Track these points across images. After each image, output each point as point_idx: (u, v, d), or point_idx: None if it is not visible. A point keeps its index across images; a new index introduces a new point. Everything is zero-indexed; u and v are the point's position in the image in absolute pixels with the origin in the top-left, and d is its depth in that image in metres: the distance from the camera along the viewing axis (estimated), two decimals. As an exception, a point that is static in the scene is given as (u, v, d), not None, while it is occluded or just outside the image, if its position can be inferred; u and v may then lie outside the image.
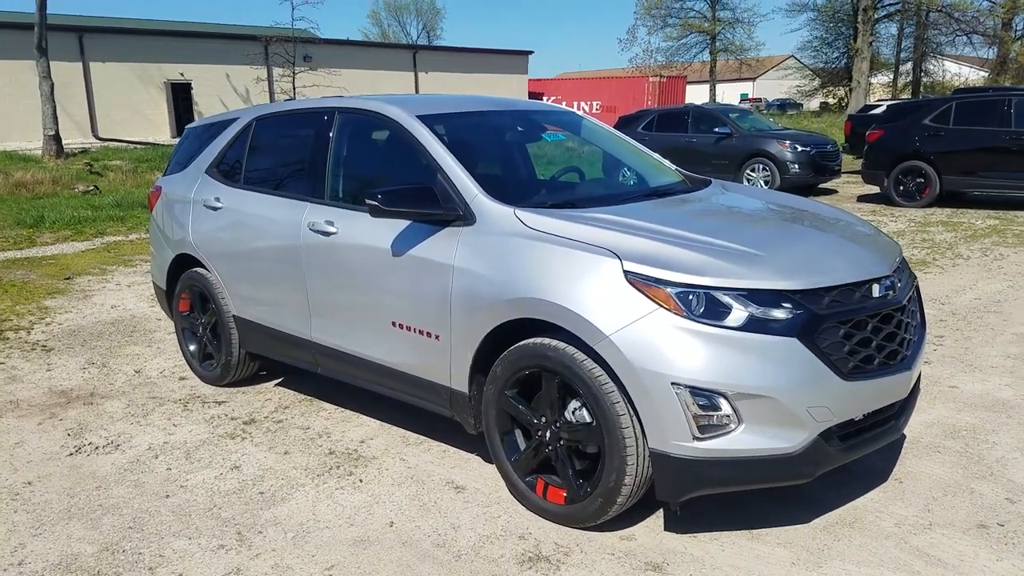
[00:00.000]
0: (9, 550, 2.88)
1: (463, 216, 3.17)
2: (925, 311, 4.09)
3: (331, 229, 3.63)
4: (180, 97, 28.31)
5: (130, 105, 27.05)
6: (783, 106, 56.77)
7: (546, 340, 2.86)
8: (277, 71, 28.31)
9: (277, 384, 4.64)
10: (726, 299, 2.62)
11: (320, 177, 3.83)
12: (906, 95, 43.62)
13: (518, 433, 3.11)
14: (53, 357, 5.18)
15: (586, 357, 2.75)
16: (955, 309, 5.91)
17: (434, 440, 3.75)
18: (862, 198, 12.78)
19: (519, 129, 4.08)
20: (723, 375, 2.56)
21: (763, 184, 13.29)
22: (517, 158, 3.95)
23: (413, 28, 79.01)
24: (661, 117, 15.44)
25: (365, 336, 3.58)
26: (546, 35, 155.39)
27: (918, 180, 11.37)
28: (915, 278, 3.34)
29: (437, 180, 3.29)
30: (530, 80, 43.45)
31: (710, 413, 2.58)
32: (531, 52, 42.16)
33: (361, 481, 3.37)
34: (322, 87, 25.46)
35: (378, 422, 4.01)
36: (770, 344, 2.58)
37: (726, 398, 2.57)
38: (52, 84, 20.19)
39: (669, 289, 2.62)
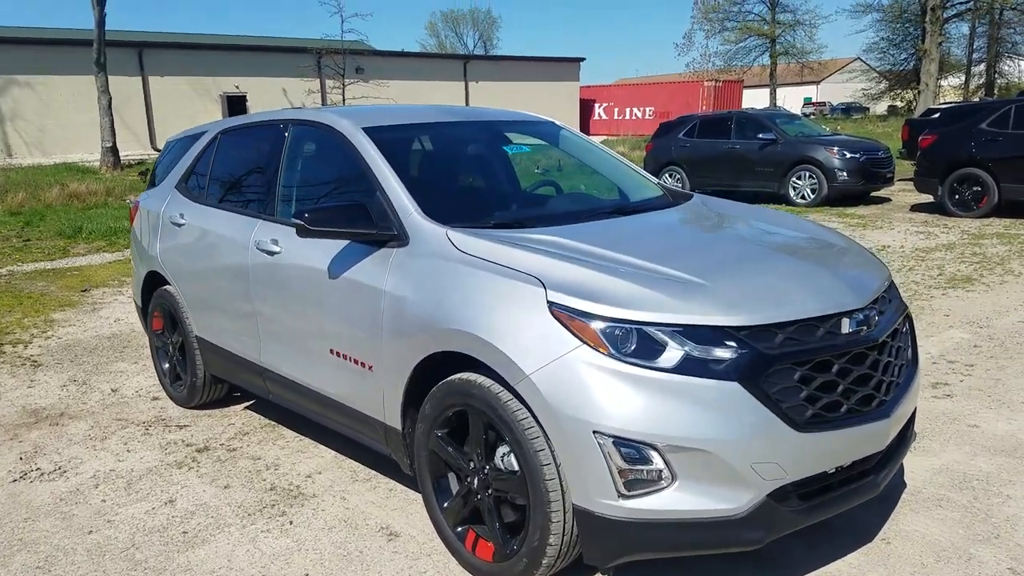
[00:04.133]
0: (-95, 591, 2.74)
1: (397, 236, 2.90)
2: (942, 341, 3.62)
3: (275, 248, 3.42)
4: (235, 109, 28.95)
5: (187, 117, 27.71)
6: (848, 110, 54.88)
7: (471, 376, 2.57)
8: (329, 83, 28.67)
9: (246, 407, 4.46)
10: (660, 336, 2.28)
11: (271, 193, 3.64)
12: (978, 98, 41.57)
13: (452, 477, 2.81)
14: (39, 373, 5.12)
15: (511, 397, 2.44)
16: (993, 333, 5.35)
17: (384, 477, 3.49)
18: (916, 207, 12.03)
19: (482, 142, 3.79)
20: (653, 424, 2.22)
21: (810, 193, 12.67)
22: (473, 173, 3.67)
23: (470, 39, 79.52)
24: (703, 123, 14.91)
25: (306, 363, 3.36)
26: (603, 42, 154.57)
27: (974, 188, 10.60)
28: (906, 309, 2.92)
29: (375, 197, 3.05)
30: (582, 87, 43.07)
31: (638, 467, 2.24)
32: (582, 59, 41.78)
33: (291, 523, 3.13)
34: (371, 98, 25.64)
35: (333, 453, 3.77)
36: (708, 389, 2.23)
37: (657, 450, 2.23)
38: (110, 98, 20.84)
39: (594, 324, 2.30)
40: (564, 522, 2.39)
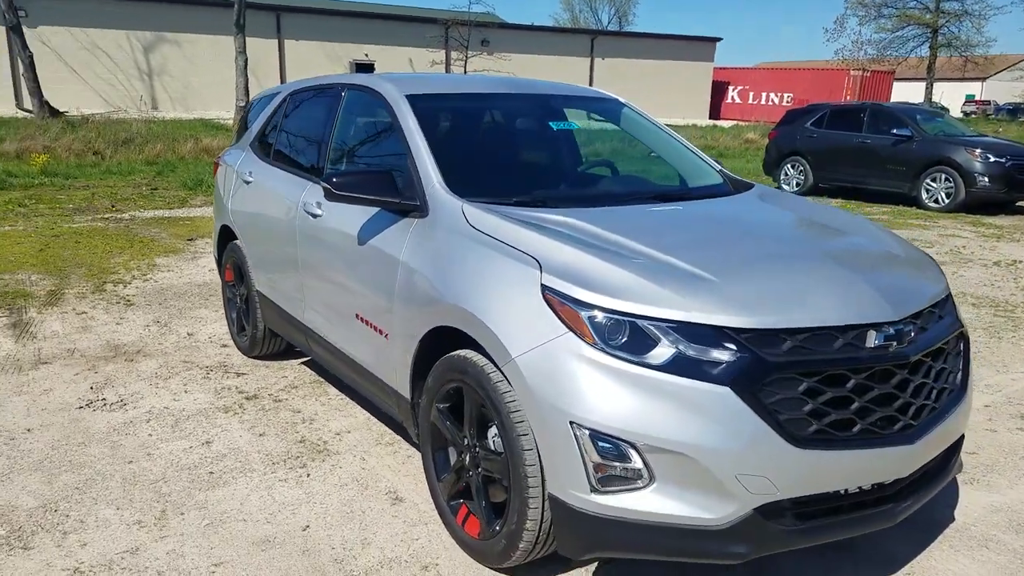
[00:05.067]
0: (-38, 494, 3.05)
1: (419, 207, 2.91)
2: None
3: (317, 211, 3.51)
4: (364, 76, 29.92)
5: (319, 81, 29.01)
6: (1015, 111, 50.20)
7: (468, 354, 2.55)
8: (453, 54, 29.06)
9: (301, 362, 4.64)
10: (652, 331, 2.17)
11: (322, 155, 3.73)
12: None
13: (451, 451, 2.82)
14: (129, 312, 5.53)
15: (502, 378, 2.41)
16: (1107, 364, 4.78)
17: (405, 444, 3.55)
18: (1063, 219, 10.88)
19: (529, 116, 3.72)
20: (633, 422, 2.12)
21: (945, 198, 11.67)
22: (508, 148, 3.60)
23: (605, 14, 78.26)
24: (834, 113, 13.99)
25: (338, 325, 3.45)
26: (747, 23, 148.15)
27: None
28: (960, 328, 2.64)
29: (406, 165, 3.06)
30: (716, 68, 41.58)
31: (614, 463, 2.16)
32: (718, 39, 40.24)
33: (308, 476, 3.25)
34: (492, 71, 25.79)
35: (366, 416, 3.87)
36: (696, 392, 2.11)
37: (636, 449, 2.13)
38: (247, 59, 21.95)
39: (583, 312, 2.22)
40: (541, 509, 2.34)
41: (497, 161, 3.38)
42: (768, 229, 2.94)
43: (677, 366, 2.13)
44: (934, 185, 11.93)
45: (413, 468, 3.33)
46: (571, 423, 2.17)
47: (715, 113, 42.27)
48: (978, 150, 11.59)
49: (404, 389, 2.95)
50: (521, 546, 2.41)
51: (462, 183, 2.91)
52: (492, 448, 2.52)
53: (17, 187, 10.99)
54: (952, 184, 11.66)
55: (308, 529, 2.85)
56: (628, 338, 2.18)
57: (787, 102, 39.06)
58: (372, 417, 3.85)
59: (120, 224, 8.73)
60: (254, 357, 4.68)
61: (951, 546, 2.82)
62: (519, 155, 3.57)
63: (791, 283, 2.36)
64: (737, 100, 43.47)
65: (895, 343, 2.30)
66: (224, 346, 4.90)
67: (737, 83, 43.49)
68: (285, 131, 4.28)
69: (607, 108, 3.92)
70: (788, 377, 2.15)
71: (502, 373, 2.38)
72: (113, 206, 9.92)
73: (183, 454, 3.43)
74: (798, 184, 13.80)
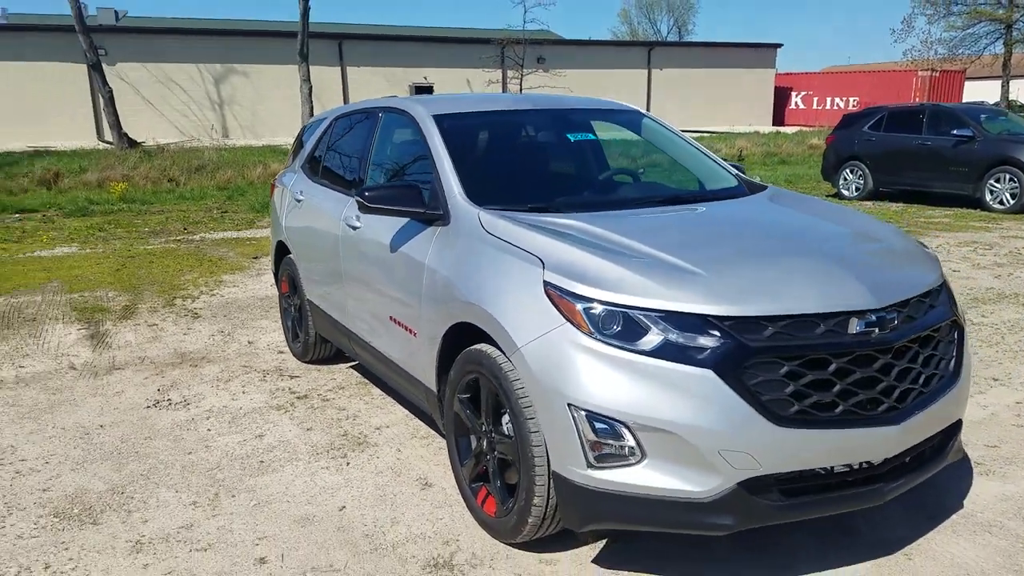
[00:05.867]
0: (46, 477, 3.44)
1: (442, 216, 3.18)
2: None
3: (357, 224, 3.82)
4: (423, 99, 30.73)
5: (381, 106, 29.93)
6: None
7: (483, 347, 2.79)
8: (509, 73, 29.56)
9: (349, 366, 4.96)
10: (643, 320, 2.37)
11: (362, 172, 4.04)
12: None
13: (472, 438, 3.06)
14: (196, 324, 5.98)
15: (513, 367, 2.64)
16: None
17: (439, 437, 3.80)
18: None
19: (548, 129, 3.95)
20: (625, 403, 2.32)
21: (1010, 199, 11.34)
22: (525, 159, 3.83)
23: (664, 24, 77.99)
24: (892, 115, 13.69)
25: (375, 327, 3.73)
26: (811, 28, 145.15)
27: None
28: (953, 317, 2.75)
29: (433, 178, 3.34)
30: (778, 74, 41.01)
31: (609, 442, 2.36)
32: (779, 45, 39.79)
33: (348, 464, 3.53)
34: (547, 88, 26.19)
35: (405, 412, 4.14)
36: (682, 375, 2.29)
37: (628, 428, 2.33)
38: (311, 87, 22.96)
39: (579, 304, 2.44)
40: (547, 487, 2.55)
41: (514, 171, 3.62)
42: (766, 227, 3.09)
43: (665, 352, 2.32)
44: (998, 186, 11.61)
45: (444, 459, 3.57)
46: (569, 405, 2.38)
47: (779, 119, 41.62)
48: (1044, 148, 11.24)
49: (431, 383, 3.21)
50: (530, 521, 2.62)
51: (480, 193, 3.17)
52: (505, 432, 2.75)
53: (98, 213, 11.82)
54: (1017, 184, 11.33)
55: (344, 509, 3.13)
56: (621, 327, 2.38)
57: (853, 106, 38.17)
58: (410, 414, 4.12)
59: (191, 245, 9.33)
60: (307, 362, 5.02)
61: (954, 531, 2.90)
62: (536, 165, 3.80)
63: (776, 275, 2.52)
64: (801, 106, 42.68)
65: (877, 329, 2.43)
66: (280, 352, 5.27)
67: (800, 88, 42.72)
68: (330, 152, 4.63)
69: (628, 119, 4.13)
70: (769, 361, 2.32)
71: (511, 362, 2.61)
72: (185, 229, 10.58)
73: (237, 446, 3.76)
74: (857, 189, 13.57)
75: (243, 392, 4.52)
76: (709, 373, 2.28)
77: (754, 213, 3.27)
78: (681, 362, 2.30)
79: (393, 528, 2.98)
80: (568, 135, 3.91)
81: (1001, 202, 11.51)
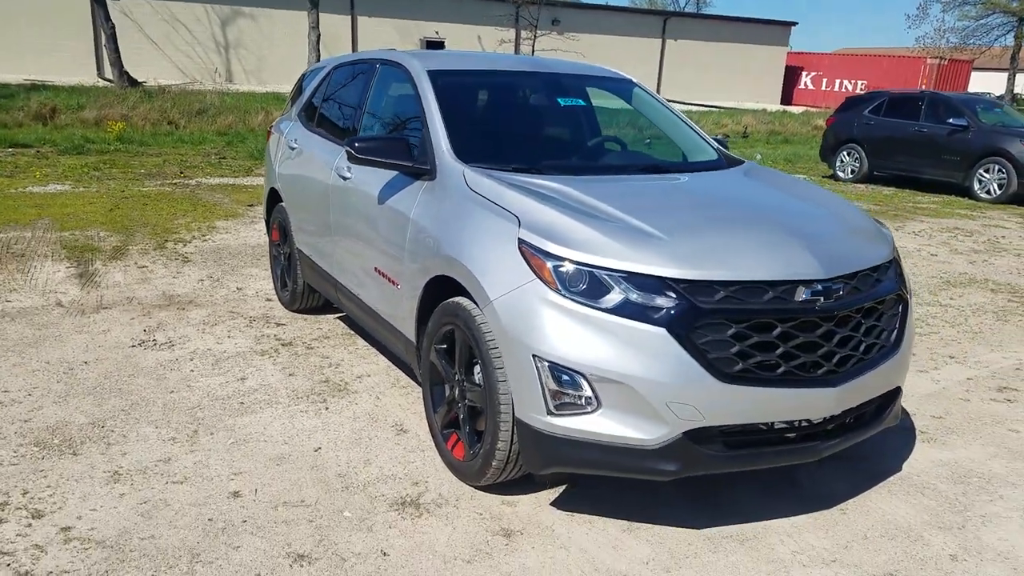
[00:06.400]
0: (27, 408, 3.52)
1: (429, 171, 3.23)
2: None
3: (348, 175, 3.86)
4: (433, 54, 30.41)
5: (388, 59, 29.59)
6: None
7: (459, 299, 2.87)
8: (523, 33, 29.23)
9: (336, 317, 5.04)
10: (607, 279, 2.48)
11: (356, 124, 4.08)
12: None
13: (447, 386, 3.15)
14: (186, 268, 6.03)
15: (485, 319, 2.73)
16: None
17: (418, 388, 3.89)
18: None
19: (539, 92, 3.99)
20: (584, 356, 2.44)
21: (996, 189, 11.41)
22: (514, 120, 3.87)
23: (684, -6, 76.53)
24: (892, 101, 13.73)
25: (361, 279, 3.80)
26: (828, 7, 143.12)
27: None
28: (900, 291, 2.88)
29: (423, 133, 3.38)
30: (789, 53, 40.63)
31: (567, 391, 2.48)
32: (794, 23, 39.34)
33: (327, 409, 3.63)
34: (560, 51, 25.93)
35: (387, 363, 4.23)
36: (637, 332, 2.42)
37: (586, 379, 2.45)
38: (319, 34, 22.65)
39: (550, 262, 2.53)
40: (511, 432, 2.67)
41: (502, 131, 3.67)
42: (734, 199, 3.20)
43: (624, 310, 2.44)
44: (986, 176, 11.70)
45: (421, 408, 3.65)
46: (534, 356, 2.49)
47: (787, 99, 41.34)
48: (1033, 141, 11.28)
49: (411, 334, 3.29)
50: (494, 464, 2.75)
51: (468, 150, 3.22)
52: (476, 382, 2.85)
53: (94, 152, 11.79)
54: (1005, 175, 11.41)
55: (319, 451, 3.23)
56: (587, 285, 2.49)
57: (860, 89, 37.85)
58: (392, 365, 4.21)
59: (186, 189, 9.34)
60: (294, 310, 5.10)
61: (889, 491, 3.07)
62: (524, 127, 3.85)
63: (734, 243, 2.64)
64: (810, 86, 42.39)
65: (823, 298, 2.55)
66: (268, 300, 5.34)
67: (811, 69, 42.39)
68: (327, 102, 4.65)
69: (619, 88, 4.16)
70: (718, 322, 2.44)
71: (484, 315, 2.70)
72: (182, 173, 10.58)
73: (219, 387, 3.85)
74: (853, 171, 13.62)
75: (228, 336, 4.60)
76: (662, 331, 2.40)
77: (726, 186, 3.37)
78: (638, 320, 2.42)
79: (365, 469, 3.09)
80: (559, 99, 3.94)
81: (988, 192, 11.61)
